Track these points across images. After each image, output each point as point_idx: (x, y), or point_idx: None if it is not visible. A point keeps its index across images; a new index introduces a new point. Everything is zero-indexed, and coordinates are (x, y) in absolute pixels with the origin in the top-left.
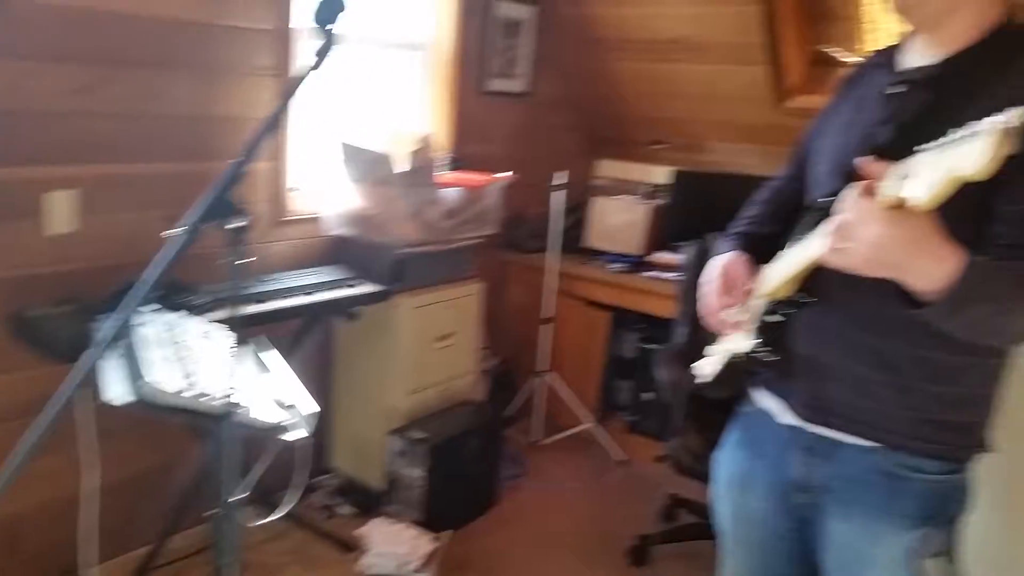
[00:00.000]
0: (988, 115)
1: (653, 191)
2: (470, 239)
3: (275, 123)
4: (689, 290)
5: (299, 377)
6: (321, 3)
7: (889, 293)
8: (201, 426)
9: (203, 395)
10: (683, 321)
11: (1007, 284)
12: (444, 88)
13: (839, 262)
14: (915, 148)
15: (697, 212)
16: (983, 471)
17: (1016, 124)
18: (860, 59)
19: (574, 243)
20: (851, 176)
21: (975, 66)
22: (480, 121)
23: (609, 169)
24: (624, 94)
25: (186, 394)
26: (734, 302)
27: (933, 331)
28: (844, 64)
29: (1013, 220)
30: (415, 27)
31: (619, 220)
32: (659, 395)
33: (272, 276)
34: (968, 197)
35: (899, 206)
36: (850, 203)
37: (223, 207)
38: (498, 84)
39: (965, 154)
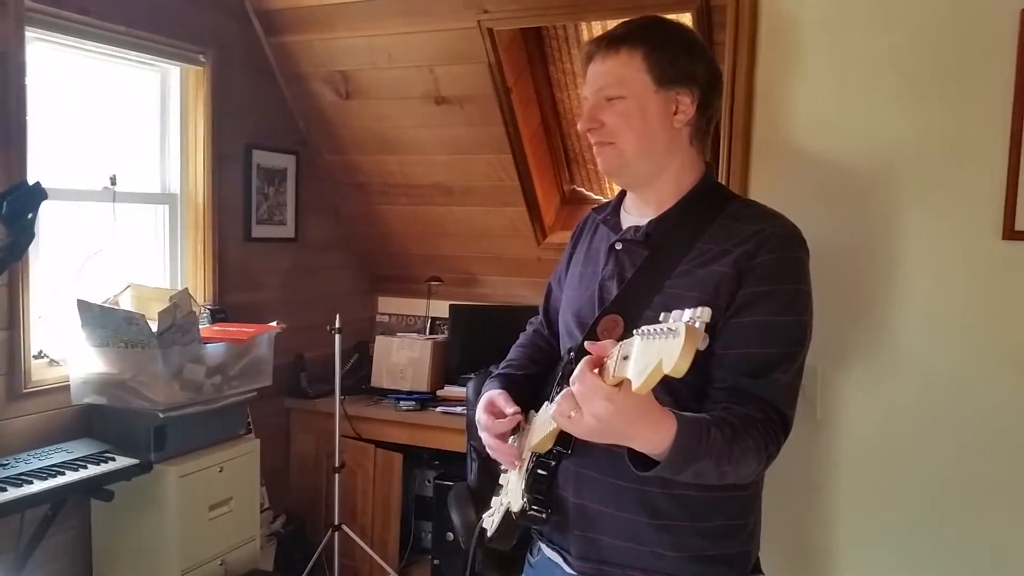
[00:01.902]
0: (698, 269)
1: (434, 326)
2: (242, 394)
3: None
4: (474, 424)
5: (50, 574)
6: (14, 193)
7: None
8: None
9: None
10: (473, 456)
11: (724, 440)
12: (202, 239)
13: (570, 429)
14: (634, 331)
15: (477, 344)
16: None
17: (703, 324)
18: (595, 205)
19: (361, 384)
20: (593, 329)
21: (681, 224)
22: (248, 269)
23: (390, 306)
24: (395, 234)
25: None
26: (508, 426)
27: None
28: (595, 201)
29: (730, 364)
30: (164, 178)
31: (403, 357)
32: (456, 536)
33: (6, 459)
34: None
35: (620, 384)
36: (578, 377)
37: None
38: (264, 231)
39: (666, 349)
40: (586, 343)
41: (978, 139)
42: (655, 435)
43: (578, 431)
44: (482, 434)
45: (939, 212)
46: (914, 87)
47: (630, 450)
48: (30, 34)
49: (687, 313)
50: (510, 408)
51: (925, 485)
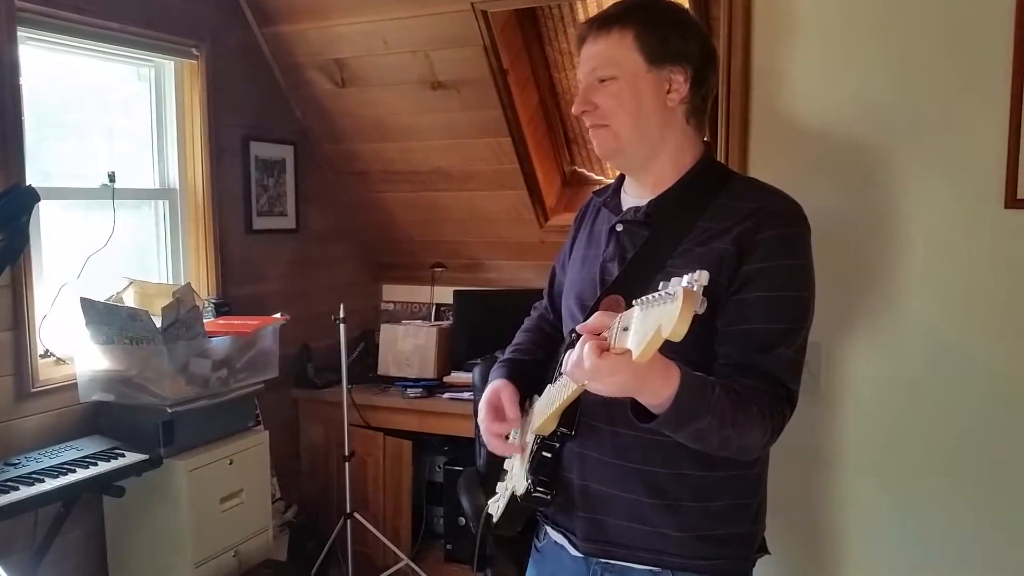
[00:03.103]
0: (699, 247)
1: (439, 313)
2: (248, 386)
3: None
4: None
5: (65, 571)
6: (6, 197)
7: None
8: None
9: None
10: (481, 441)
11: (729, 402)
12: (203, 232)
13: (592, 389)
14: (633, 301)
15: (482, 329)
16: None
17: (700, 287)
18: (596, 187)
19: (368, 373)
20: (595, 310)
21: (680, 205)
22: (250, 261)
23: (394, 294)
24: (398, 221)
25: None
26: (506, 429)
27: (687, 450)
28: (597, 181)
29: (733, 340)
30: (162, 174)
31: (409, 345)
32: (467, 520)
33: (18, 459)
34: (700, 323)
35: (622, 355)
36: (584, 358)
37: None
38: (265, 222)
39: (664, 314)
40: (577, 326)
41: (978, 107)
42: (664, 384)
43: (598, 392)
44: (480, 424)
45: (941, 182)
46: (912, 56)
47: (633, 403)
48: (22, 33)
49: (685, 277)
50: (512, 412)
51: (932, 457)
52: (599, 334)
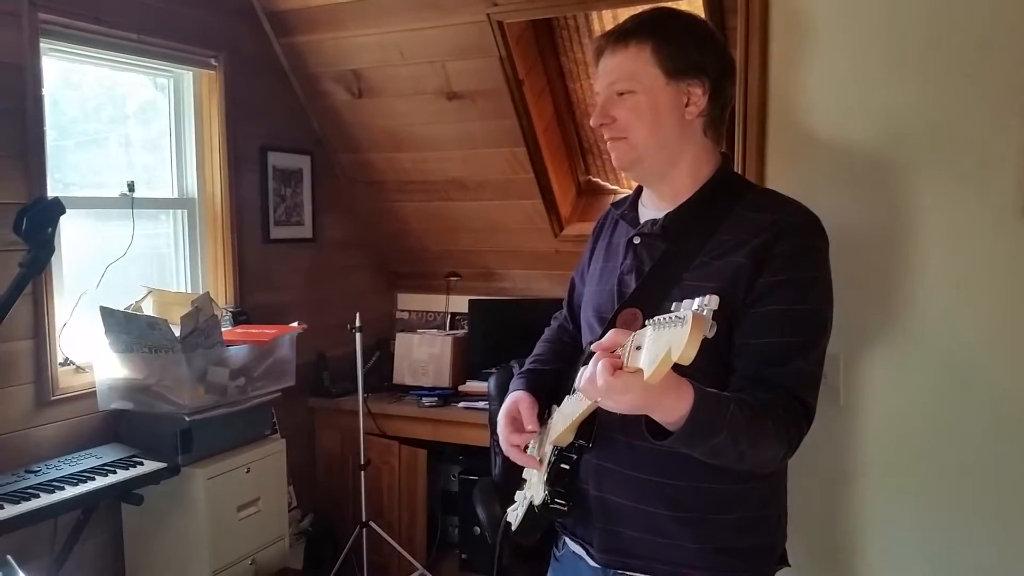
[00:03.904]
0: (716, 260)
1: (454, 322)
2: (266, 395)
3: None
4: (496, 419)
5: None
6: (33, 209)
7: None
8: None
9: None
10: (496, 451)
11: (744, 418)
12: (221, 242)
13: (605, 407)
14: (646, 321)
15: (498, 338)
16: None
17: (710, 312)
18: (612, 197)
19: (383, 381)
20: (612, 323)
21: (698, 216)
22: (267, 270)
23: (409, 303)
24: (413, 231)
25: None
26: (525, 440)
27: (703, 463)
28: (611, 191)
29: (750, 354)
30: (181, 183)
31: (424, 354)
32: (483, 530)
33: (38, 466)
34: (717, 336)
35: (636, 372)
36: (597, 376)
37: None
38: (282, 232)
39: (675, 337)
40: (593, 345)
41: (995, 119)
42: (677, 402)
43: (611, 409)
44: (500, 434)
45: (958, 193)
46: (929, 66)
47: (648, 421)
48: (45, 45)
49: (696, 301)
50: (530, 424)
51: (953, 470)
52: (614, 351)
